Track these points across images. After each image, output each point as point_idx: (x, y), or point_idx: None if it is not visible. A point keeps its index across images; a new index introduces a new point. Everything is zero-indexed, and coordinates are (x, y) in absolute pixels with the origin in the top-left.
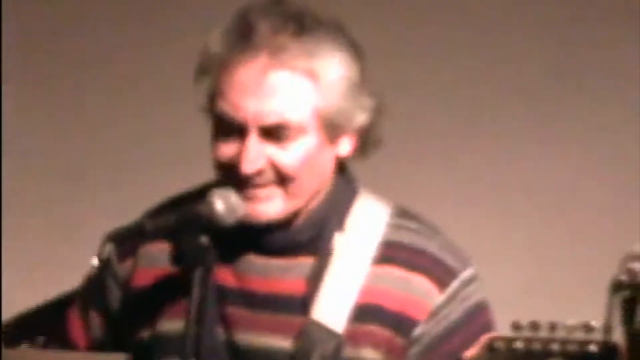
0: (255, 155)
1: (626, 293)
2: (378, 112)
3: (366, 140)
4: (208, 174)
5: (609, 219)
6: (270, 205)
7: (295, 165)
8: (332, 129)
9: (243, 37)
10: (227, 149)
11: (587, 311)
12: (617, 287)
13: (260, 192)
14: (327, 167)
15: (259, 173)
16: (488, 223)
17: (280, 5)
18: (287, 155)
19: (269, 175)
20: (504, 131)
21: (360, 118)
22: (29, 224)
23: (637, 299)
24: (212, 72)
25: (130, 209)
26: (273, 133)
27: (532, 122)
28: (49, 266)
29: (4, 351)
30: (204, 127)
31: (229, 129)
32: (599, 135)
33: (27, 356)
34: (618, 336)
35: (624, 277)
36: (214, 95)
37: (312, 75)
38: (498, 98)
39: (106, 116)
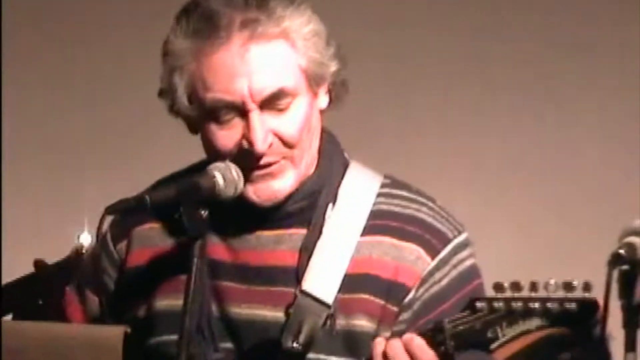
0: (264, 132)
1: (625, 267)
2: (342, 57)
3: (337, 87)
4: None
5: (607, 191)
6: (285, 180)
7: (298, 129)
8: (316, 82)
9: (209, 24)
10: (228, 137)
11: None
12: (616, 260)
13: (273, 168)
14: (317, 124)
15: (269, 147)
16: (482, 194)
17: None
18: (289, 123)
19: (277, 146)
20: (502, 100)
21: (333, 66)
22: (28, 200)
23: (635, 273)
24: (187, 68)
25: (129, 186)
26: (270, 104)
27: (529, 91)
28: (49, 241)
29: (4, 323)
30: None
31: (223, 116)
32: (599, 111)
33: (26, 329)
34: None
35: (623, 251)
36: (196, 90)
37: (287, 37)
38: (495, 66)
39: (104, 94)
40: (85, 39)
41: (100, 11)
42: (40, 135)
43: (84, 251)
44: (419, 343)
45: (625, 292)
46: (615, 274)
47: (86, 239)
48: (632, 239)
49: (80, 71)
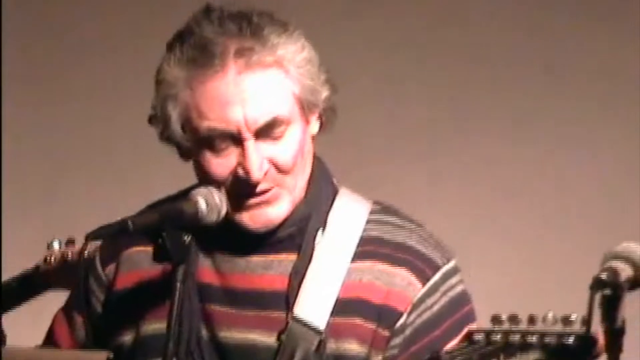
0: (260, 160)
1: (607, 291)
2: (332, 83)
3: (327, 113)
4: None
5: (592, 216)
6: (279, 206)
7: (292, 157)
8: (309, 109)
9: (203, 52)
10: (223, 165)
11: (568, 309)
12: (598, 285)
13: (268, 196)
14: (310, 150)
15: (265, 175)
16: (475, 218)
17: (220, 12)
18: (283, 150)
19: (272, 174)
20: (494, 123)
21: (325, 92)
22: (25, 220)
23: (617, 297)
24: (181, 96)
25: (120, 207)
26: (265, 133)
27: (521, 114)
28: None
29: None
30: None
31: (218, 145)
32: (596, 136)
33: (10, 354)
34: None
35: (605, 276)
36: (191, 118)
37: (281, 65)
38: (485, 91)
39: (100, 112)
40: (84, 53)
41: (98, 29)
42: (35, 150)
43: (52, 258)
44: None
45: (608, 316)
46: (598, 298)
47: (57, 245)
48: (614, 263)
49: (77, 88)
